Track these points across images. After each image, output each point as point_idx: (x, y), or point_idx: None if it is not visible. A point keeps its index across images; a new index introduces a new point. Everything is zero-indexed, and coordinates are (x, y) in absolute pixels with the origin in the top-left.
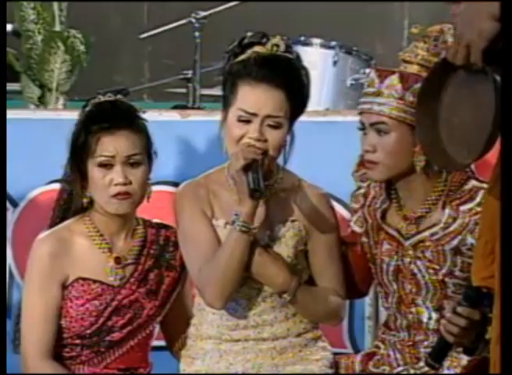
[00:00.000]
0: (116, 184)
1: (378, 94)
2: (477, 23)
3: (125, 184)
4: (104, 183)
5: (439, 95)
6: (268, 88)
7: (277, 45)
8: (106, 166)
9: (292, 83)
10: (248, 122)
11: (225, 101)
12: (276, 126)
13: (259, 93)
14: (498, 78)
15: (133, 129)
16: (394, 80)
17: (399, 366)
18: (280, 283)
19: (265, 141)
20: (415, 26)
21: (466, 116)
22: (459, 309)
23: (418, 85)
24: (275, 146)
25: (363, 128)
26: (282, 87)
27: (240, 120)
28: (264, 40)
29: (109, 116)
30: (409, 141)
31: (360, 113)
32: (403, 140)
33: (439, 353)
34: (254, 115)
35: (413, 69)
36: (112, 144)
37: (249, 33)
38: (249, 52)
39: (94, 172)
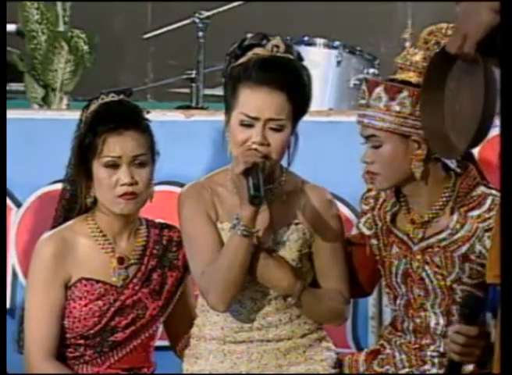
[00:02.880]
0: (123, 184)
1: (368, 106)
2: (476, 14)
3: (131, 184)
4: (111, 184)
5: (444, 83)
6: (269, 91)
7: (277, 46)
8: (112, 166)
9: (293, 85)
10: (250, 126)
11: (228, 105)
12: (279, 129)
13: (260, 96)
14: (493, 69)
15: (138, 129)
16: (380, 92)
17: (404, 367)
18: (285, 287)
19: (268, 144)
20: (406, 31)
21: (466, 104)
22: (456, 327)
23: (403, 94)
24: (278, 149)
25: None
26: (283, 88)
27: (242, 125)
28: (265, 41)
29: (116, 116)
30: (403, 150)
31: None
32: (396, 150)
33: (451, 373)
34: (256, 119)
35: (408, 75)
36: (119, 145)
37: (249, 35)
38: (249, 55)
39: (100, 172)
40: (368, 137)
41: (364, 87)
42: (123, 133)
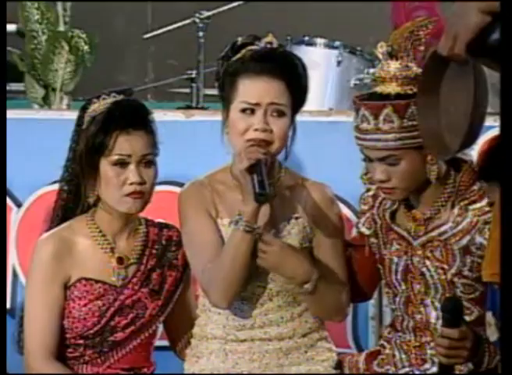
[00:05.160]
0: (131, 183)
1: (377, 129)
2: (464, 15)
3: (140, 184)
4: (119, 182)
5: (439, 85)
6: (268, 79)
7: (270, 43)
8: (121, 164)
9: (290, 74)
10: (252, 113)
11: (226, 101)
12: (280, 115)
13: (260, 84)
14: (484, 70)
15: (146, 129)
16: (388, 113)
17: (404, 367)
18: (302, 273)
19: (271, 131)
20: (380, 45)
21: (459, 105)
22: (439, 331)
23: (411, 109)
24: (281, 136)
25: (368, 160)
26: (282, 77)
27: (243, 112)
28: (257, 42)
29: (128, 115)
30: (420, 160)
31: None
32: (413, 163)
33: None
34: (257, 105)
35: (392, 87)
36: (129, 143)
37: (239, 38)
38: (243, 51)
39: (108, 170)
40: (382, 159)
41: (364, 111)
42: (133, 132)
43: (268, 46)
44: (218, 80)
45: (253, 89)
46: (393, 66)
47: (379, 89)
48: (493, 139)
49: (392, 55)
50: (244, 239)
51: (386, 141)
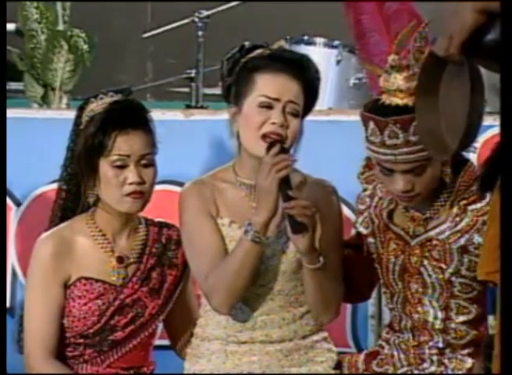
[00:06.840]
0: (131, 183)
1: (407, 142)
2: (460, 14)
3: (139, 184)
4: (118, 183)
5: (437, 86)
6: (288, 78)
7: (282, 47)
8: (120, 165)
9: (307, 77)
10: (269, 108)
11: (240, 95)
12: (296, 115)
13: (280, 82)
14: (480, 70)
15: (145, 128)
16: None
17: (402, 366)
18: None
19: (287, 127)
20: (392, 59)
21: (457, 106)
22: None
23: None
24: (294, 134)
25: (388, 173)
26: (299, 78)
27: (261, 106)
28: (266, 45)
29: (127, 115)
30: (440, 165)
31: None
32: (436, 169)
33: None
34: (277, 100)
35: (406, 98)
36: (128, 144)
37: (247, 43)
38: (259, 51)
39: (107, 170)
40: (410, 170)
41: (393, 127)
42: (132, 132)
43: (281, 49)
44: (224, 80)
45: (273, 84)
46: (403, 76)
47: (392, 101)
48: (495, 149)
49: (402, 67)
50: (252, 249)
51: (418, 153)
